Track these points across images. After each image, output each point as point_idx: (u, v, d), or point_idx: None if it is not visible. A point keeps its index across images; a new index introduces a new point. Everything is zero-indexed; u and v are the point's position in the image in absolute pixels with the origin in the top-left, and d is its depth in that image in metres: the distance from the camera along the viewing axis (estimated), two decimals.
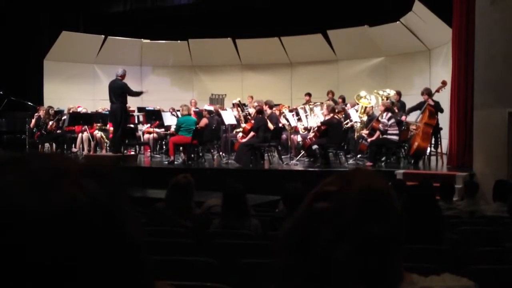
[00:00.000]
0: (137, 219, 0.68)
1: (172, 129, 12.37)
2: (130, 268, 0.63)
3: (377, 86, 14.00)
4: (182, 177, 4.80)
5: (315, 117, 12.46)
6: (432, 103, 10.69)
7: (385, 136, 10.87)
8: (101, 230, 0.61)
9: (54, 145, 13.61)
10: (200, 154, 12.18)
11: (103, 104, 14.61)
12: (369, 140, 11.12)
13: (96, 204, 0.61)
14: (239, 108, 13.44)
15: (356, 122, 12.25)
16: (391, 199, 1.16)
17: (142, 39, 17.79)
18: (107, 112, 13.04)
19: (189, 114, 11.85)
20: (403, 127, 11.16)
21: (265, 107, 11.96)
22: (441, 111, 10.80)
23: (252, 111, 12.67)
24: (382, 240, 1.09)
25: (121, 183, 0.67)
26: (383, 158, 11.19)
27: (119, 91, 11.61)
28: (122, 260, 0.62)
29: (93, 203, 0.61)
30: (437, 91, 10.90)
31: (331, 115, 11.11)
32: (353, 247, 1.06)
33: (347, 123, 12.15)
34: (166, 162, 11.76)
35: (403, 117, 11.33)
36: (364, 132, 11.53)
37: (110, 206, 0.63)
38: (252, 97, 14.36)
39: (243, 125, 12.28)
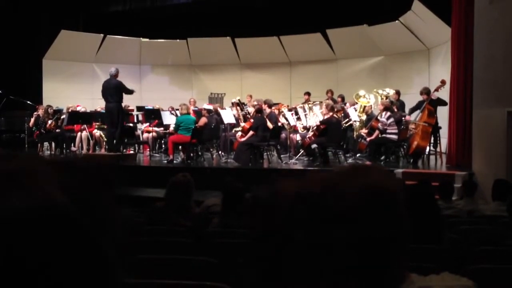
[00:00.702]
0: (118, 218, 0.64)
1: (171, 128, 12.37)
2: (95, 281, 0.58)
3: (376, 85, 14.00)
4: (181, 176, 4.80)
5: (314, 116, 12.46)
6: (435, 98, 10.70)
7: (384, 135, 10.87)
8: (55, 236, 0.56)
9: (53, 144, 13.62)
10: (199, 153, 12.17)
11: (102, 103, 14.53)
12: (368, 139, 11.12)
13: (49, 208, 0.57)
14: (238, 107, 13.44)
15: (355, 121, 12.26)
16: (393, 198, 1.14)
17: (141, 38, 17.79)
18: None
19: (188, 113, 11.84)
20: (402, 126, 11.17)
21: (264, 106, 11.96)
22: (445, 104, 10.79)
23: (251, 110, 12.67)
24: (381, 242, 1.09)
25: (98, 180, 0.63)
26: (382, 157, 11.19)
27: (115, 90, 11.62)
28: (78, 265, 0.57)
29: (45, 209, 0.57)
30: (436, 90, 10.90)
31: (330, 114, 11.11)
32: (347, 249, 1.05)
33: (346, 122, 12.16)
34: (165, 161, 11.76)
35: (407, 117, 11.31)
36: (363, 131, 11.53)
37: (70, 208, 0.58)
38: (251, 96, 14.35)
39: (242, 124, 12.28)
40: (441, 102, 10.79)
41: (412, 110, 11.41)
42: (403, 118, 11.27)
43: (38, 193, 0.57)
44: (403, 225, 1.14)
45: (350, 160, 11.58)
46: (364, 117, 12.41)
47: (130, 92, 12.03)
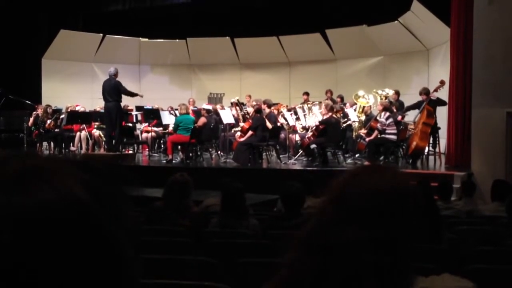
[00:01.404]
0: (131, 218, 0.64)
1: (170, 128, 12.36)
2: (110, 277, 0.59)
3: (375, 85, 14.01)
4: (179, 175, 4.79)
5: (314, 116, 12.45)
6: (434, 97, 10.70)
7: (383, 135, 10.87)
8: (74, 236, 0.57)
9: (52, 143, 13.60)
10: (199, 153, 12.17)
11: (101, 103, 14.52)
12: (367, 139, 11.12)
13: (71, 204, 0.58)
14: (237, 107, 13.44)
15: (354, 121, 12.26)
16: (404, 199, 1.13)
17: (141, 38, 17.78)
18: None
19: (187, 113, 11.84)
20: (401, 127, 11.17)
21: (264, 106, 11.96)
22: (444, 103, 10.79)
23: (250, 110, 12.67)
24: (404, 241, 1.08)
25: (113, 180, 0.64)
26: (381, 158, 11.17)
27: (115, 90, 11.64)
28: (101, 268, 0.58)
29: (67, 204, 0.57)
30: (435, 90, 10.90)
31: (330, 114, 11.11)
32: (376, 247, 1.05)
33: (345, 122, 12.16)
34: (164, 161, 11.75)
35: (399, 117, 11.32)
36: (363, 131, 11.53)
37: (91, 204, 0.59)
38: (250, 96, 14.35)
39: (242, 124, 12.28)
40: (441, 102, 10.79)
41: (408, 109, 11.42)
42: (399, 118, 11.26)
43: (62, 188, 0.58)
44: (419, 226, 1.14)
45: (349, 161, 11.58)
46: (363, 117, 12.41)
47: (131, 94, 12.04)
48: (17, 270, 0.53)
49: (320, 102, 12.62)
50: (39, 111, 13.57)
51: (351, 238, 1.06)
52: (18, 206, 0.55)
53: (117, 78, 11.89)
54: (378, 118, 11.17)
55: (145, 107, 14.40)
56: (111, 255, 0.60)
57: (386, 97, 12.58)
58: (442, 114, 11.05)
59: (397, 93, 12.92)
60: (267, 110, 12.00)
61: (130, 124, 13.24)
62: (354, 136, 12.22)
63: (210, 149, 12.80)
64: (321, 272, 1.06)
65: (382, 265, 1.05)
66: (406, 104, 12.41)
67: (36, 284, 0.54)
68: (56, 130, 13.34)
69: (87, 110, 14.08)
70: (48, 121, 13.26)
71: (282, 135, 12.29)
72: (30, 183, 0.57)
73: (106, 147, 12.47)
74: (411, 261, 1.12)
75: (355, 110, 12.56)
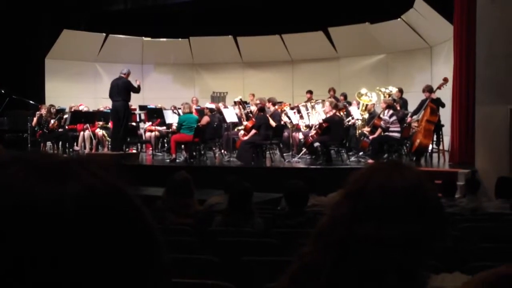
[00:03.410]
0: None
1: (174, 127, 12.37)
2: (151, 266, 0.60)
3: (378, 83, 13.99)
4: (178, 175, 4.79)
5: (317, 115, 12.45)
6: (435, 97, 10.69)
7: (386, 133, 10.86)
8: (125, 222, 0.58)
9: (56, 143, 13.63)
10: (202, 152, 12.18)
11: (104, 103, 14.62)
12: (370, 137, 11.10)
13: (117, 192, 0.59)
14: (240, 106, 13.43)
15: (357, 119, 12.25)
16: (423, 197, 1.13)
17: (143, 37, 17.79)
18: (109, 111, 13.06)
19: (191, 112, 11.85)
20: (405, 124, 11.15)
21: (268, 105, 11.95)
22: (443, 105, 10.79)
23: (253, 109, 12.67)
24: (427, 238, 1.09)
25: (127, 177, 0.64)
26: (385, 156, 11.17)
27: (123, 89, 11.65)
28: (145, 257, 0.59)
29: (113, 192, 0.58)
30: (439, 88, 10.88)
31: (334, 111, 11.10)
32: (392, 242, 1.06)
33: (348, 121, 12.15)
34: (168, 160, 11.77)
35: (409, 119, 11.28)
36: (366, 129, 11.52)
37: (131, 196, 0.60)
38: (253, 95, 14.35)
39: (245, 123, 12.28)
40: (440, 103, 10.76)
41: (415, 112, 11.36)
42: (408, 120, 11.23)
43: (104, 177, 0.59)
44: (439, 225, 1.14)
45: (352, 159, 11.57)
46: (366, 115, 12.40)
47: (138, 90, 12.08)
48: (76, 250, 0.54)
49: (323, 101, 12.62)
50: (43, 111, 13.59)
51: (371, 234, 1.06)
52: (75, 192, 0.56)
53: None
54: (381, 116, 11.16)
55: (148, 107, 14.42)
56: (152, 244, 0.61)
57: (389, 95, 12.56)
58: (445, 112, 11.03)
59: (400, 90, 12.90)
60: (272, 108, 11.99)
61: (133, 124, 13.26)
62: (357, 134, 12.21)
63: (214, 148, 12.81)
64: (338, 265, 1.07)
65: (403, 262, 1.05)
66: (410, 101, 12.40)
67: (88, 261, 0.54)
68: (60, 130, 13.36)
69: (91, 110, 14.11)
70: (52, 121, 13.29)
71: (286, 134, 12.29)
72: (75, 171, 0.58)
73: (110, 146, 12.48)
74: (428, 259, 1.12)
75: (358, 108, 12.56)
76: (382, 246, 1.05)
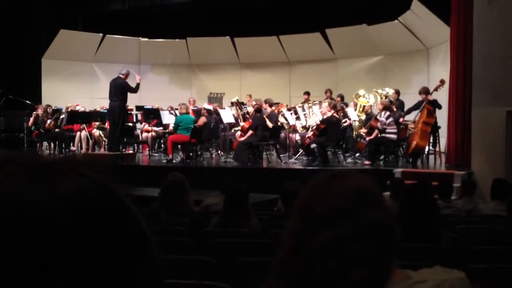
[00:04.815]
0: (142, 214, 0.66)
1: (171, 127, 12.37)
2: (143, 266, 0.60)
3: (375, 84, 14.01)
4: (171, 176, 4.78)
5: (314, 116, 12.46)
6: (431, 99, 10.71)
7: (383, 134, 10.88)
8: (115, 221, 0.58)
9: (52, 143, 13.61)
10: (199, 153, 12.18)
11: (101, 103, 14.61)
12: (367, 138, 11.12)
13: (105, 191, 0.59)
14: (237, 107, 13.44)
15: (354, 120, 12.26)
16: (362, 196, 1.19)
17: (140, 38, 17.78)
18: (106, 111, 13.06)
19: (188, 113, 11.85)
20: (402, 126, 11.17)
21: (265, 106, 11.96)
22: (439, 107, 10.81)
23: (250, 109, 12.67)
24: (378, 226, 1.13)
25: (120, 176, 0.65)
26: (382, 157, 11.19)
27: (119, 89, 11.69)
28: (136, 256, 0.59)
29: (102, 190, 0.59)
30: (436, 89, 10.90)
31: (332, 111, 11.11)
32: (353, 236, 1.10)
33: (345, 121, 12.16)
34: (165, 161, 11.76)
35: (401, 119, 11.32)
36: (363, 130, 11.53)
37: (120, 194, 0.61)
38: (250, 96, 14.35)
39: (242, 123, 12.28)
40: (437, 105, 10.78)
41: (409, 111, 11.41)
42: (400, 120, 11.26)
43: (97, 178, 0.60)
44: (392, 222, 1.19)
45: (349, 160, 11.58)
46: (363, 116, 12.42)
47: (136, 89, 12.12)
48: (69, 251, 0.54)
49: (320, 102, 12.63)
50: (39, 111, 13.56)
51: (326, 239, 1.10)
52: (65, 192, 0.56)
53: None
54: (378, 117, 11.17)
55: (145, 107, 14.41)
56: (144, 243, 0.61)
57: (386, 97, 12.58)
58: (442, 113, 11.05)
59: (397, 92, 12.92)
60: (269, 109, 12.00)
61: (130, 124, 13.24)
62: (354, 135, 12.22)
63: (210, 149, 12.80)
64: (305, 273, 1.11)
65: (368, 254, 1.10)
66: (406, 103, 12.41)
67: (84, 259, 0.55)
68: (56, 130, 13.34)
69: (87, 110, 14.08)
70: (48, 121, 13.26)
71: (282, 135, 12.29)
72: (65, 172, 0.58)
73: (107, 146, 12.47)
74: (394, 251, 1.17)
75: (355, 109, 12.57)
76: (341, 244, 1.10)
